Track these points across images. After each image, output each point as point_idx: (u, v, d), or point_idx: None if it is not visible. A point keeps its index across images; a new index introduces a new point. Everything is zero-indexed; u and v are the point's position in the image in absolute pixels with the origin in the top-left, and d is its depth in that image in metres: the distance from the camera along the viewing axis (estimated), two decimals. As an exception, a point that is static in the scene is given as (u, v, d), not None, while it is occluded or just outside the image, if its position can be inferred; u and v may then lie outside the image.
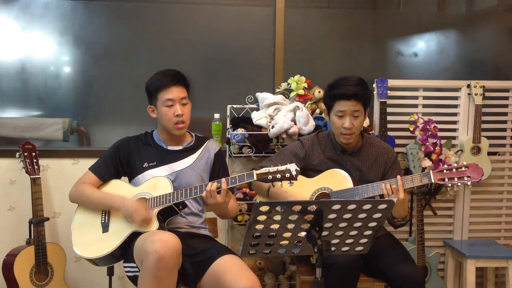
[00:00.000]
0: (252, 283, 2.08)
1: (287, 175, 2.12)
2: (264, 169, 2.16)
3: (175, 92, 2.37)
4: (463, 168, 2.26)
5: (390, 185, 2.28)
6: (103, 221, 2.35)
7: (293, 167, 2.13)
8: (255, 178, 2.15)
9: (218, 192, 2.20)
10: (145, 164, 2.43)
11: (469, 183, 2.25)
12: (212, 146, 2.54)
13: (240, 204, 3.01)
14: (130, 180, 2.49)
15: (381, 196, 2.31)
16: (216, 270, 2.17)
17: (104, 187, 2.44)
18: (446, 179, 2.27)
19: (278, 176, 2.13)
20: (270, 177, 2.14)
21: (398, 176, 2.29)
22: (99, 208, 2.39)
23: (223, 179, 2.20)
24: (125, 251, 2.27)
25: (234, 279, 2.08)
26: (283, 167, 2.14)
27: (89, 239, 2.32)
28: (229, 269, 2.14)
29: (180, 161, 2.45)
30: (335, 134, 2.51)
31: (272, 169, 2.14)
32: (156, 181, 2.36)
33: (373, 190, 2.35)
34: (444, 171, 2.28)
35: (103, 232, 2.32)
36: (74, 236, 2.36)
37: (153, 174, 2.40)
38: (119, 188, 2.42)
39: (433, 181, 2.27)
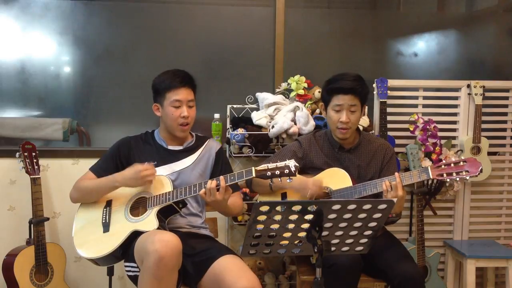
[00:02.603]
0: (252, 283, 2.08)
1: (286, 171, 2.12)
2: (263, 165, 2.16)
3: (184, 94, 2.38)
4: (461, 163, 2.26)
5: (390, 182, 2.28)
6: (104, 220, 2.35)
7: (292, 163, 2.12)
8: (254, 175, 2.15)
9: (217, 190, 2.20)
10: (146, 164, 2.42)
11: (468, 178, 2.25)
12: (213, 145, 2.54)
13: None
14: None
15: (380, 193, 2.31)
16: (216, 270, 2.17)
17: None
18: (445, 175, 2.27)
19: (277, 172, 2.13)
20: (269, 173, 2.13)
21: (396, 173, 2.29)
22: (102, 193, 2.39)
23: (222, 177, 2.21)
24: (125, 251, 2.27)
25: (234, 280, 2.08)
26: (282, 163, 2.14)
27: (90, 239, 2.32)
28: (229, 270, 2.14)
29: (180, 161, 2.45)
30: (331, 130, 2.52)
31: (271, 165, 2.14)
32: (156, 180, 2.35)
33: (372, 188, 2.35)
34: (442, 166, 2.27)
35: (104, 232, 2.32)
36: (76, 236, 2.36)
37: (153, 173, 2.40)
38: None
39: (431, 176, 2.27)
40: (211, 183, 2.19)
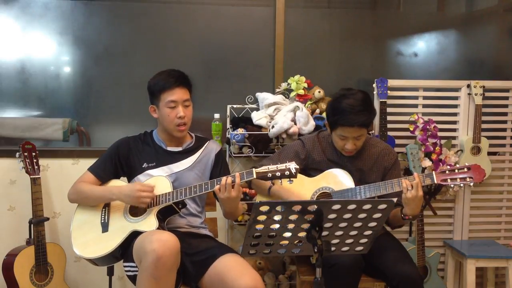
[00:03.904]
0: (255, 281, 2.08)
1: (287, 173, 2.12)
2: (263, 167, 2.17)
3: (179, 94, 2.36)
4: (465, 169, 2.26)
5: (410, 182, 2.25)
6: (102, 220, 2.35)
7: (292, 166, 2.13)
8: (254, 176, 2.15)
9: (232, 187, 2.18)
10: (144, 165, 2.42)
11: (471, 184, 2.26)
12: (213, 147, 2.53)
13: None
14: (129, 181, 2.49)
15: (396, 193, 2.31)
16: (218, 268, 2.16)
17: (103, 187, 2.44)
18: (449, 180, 2.27)
19: (278, 174, 2.13)
20: (269, 175, 2.14)
21: (415, 174, 2.28)
22: (98, 202, 2.39)
23: (237, 173, 2.19)
24: (125, 251, 2.27)
25: (237, 278, 2.08)
26: (282, 165, 2.14)
27: (89, 239, 2.32)
28: (232, 268, 2.14)
29: (179, 162, 2.44)
30: (336, 146, 2.50)
31: (271, 167, 2.15)
32: (156, 181, 2.35)
33: (375, 190, 2.35)
34: (447, 172, 2.28)
35: (103, 232, 2.31)
36: (74, 236, 2.36)
37: (152, 174, 2.40)
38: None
39: (435, 181, 2.27)
40: (227, 179, 2.18)
